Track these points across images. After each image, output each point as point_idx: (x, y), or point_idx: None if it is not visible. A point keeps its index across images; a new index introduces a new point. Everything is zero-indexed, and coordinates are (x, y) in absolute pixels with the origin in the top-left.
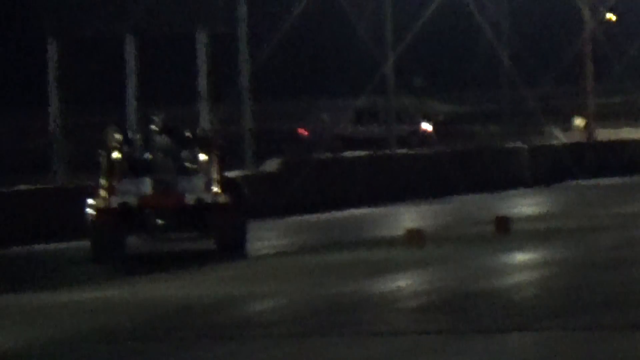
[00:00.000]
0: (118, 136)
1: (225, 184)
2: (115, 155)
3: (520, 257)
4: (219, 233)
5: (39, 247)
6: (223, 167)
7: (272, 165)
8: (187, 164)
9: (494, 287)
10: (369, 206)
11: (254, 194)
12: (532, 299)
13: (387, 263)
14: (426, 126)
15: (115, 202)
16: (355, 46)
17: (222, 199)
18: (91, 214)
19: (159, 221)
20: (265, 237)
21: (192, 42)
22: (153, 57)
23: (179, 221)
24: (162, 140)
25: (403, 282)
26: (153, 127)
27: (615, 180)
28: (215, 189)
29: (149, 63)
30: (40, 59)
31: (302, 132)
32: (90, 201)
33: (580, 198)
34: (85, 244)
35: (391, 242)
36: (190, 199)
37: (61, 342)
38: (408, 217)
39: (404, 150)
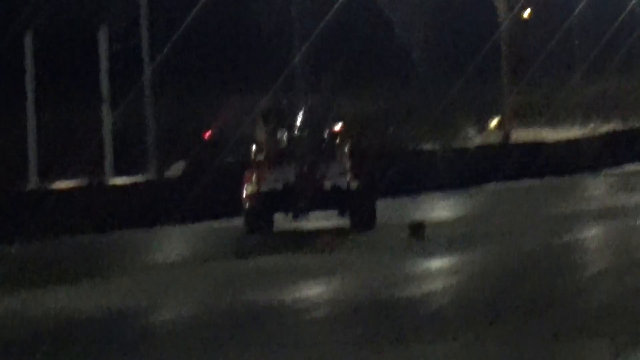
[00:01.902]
0: (267, 129)
1: (358, 169)
2: (265, 146)
3: (436, 263)
4: (352, 213)
5: None
6: (356, 156)
7: (176, 169)
8: (326, 154)
9: (409, 295)
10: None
11: (157, 200)
12: (449, 306)
13: (296, 269)
14: (337, 127)
15: (264, 187)
16: (262, 43)
17: (355, 184)
18: (245, 197)
19: (302, 203)
20: (170, 245)
21: (94, 41)
22: (52, 55)
23: (318, 203)
24: (305, 133)
25: (313, 290)
26: (297, 121)
27: (533, 182)
28: (349, 175)
29: (48, 62)
30: None
31: (207, 134)
32: (244, 186)
33: (498, 201)
34: None
35: (301, 248)
36: (327, 184)
37: None
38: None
39: None
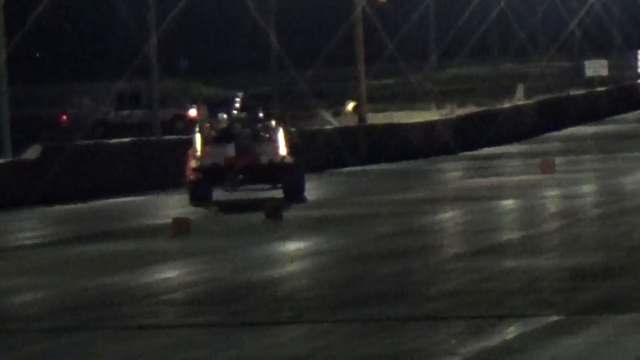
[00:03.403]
0: (208, 112)
1: (289, 147)
2: (207, 127)
3: (292, 246)
4: (285, 185)
5: None
6: (288, 135)
7: (32, 152)
8: (261, 133)
9: (264, 278)
10: (134, 194)
11: (12, 183)
12: (304, 290)
13: (152, 254)
14: (192, 111)
15: (207, 162)
16: (117, 27)
17: (288, 159)
18: (189, 172)
19: (240, 176)
20: (25, 228)
21: None
22: None
23: (255, 177)
24: (242, 115)
25: (169, 274)
26: (235, 104)
27: (389, 166)
28: (282, 152)
29: None
30: None
31: (63, 117)
32: (188, 162)
33: (353, 185)
34: None
35: (156, 232)
36: (264, 159)
37: None
38: (174, 205)
39: (169, 136)
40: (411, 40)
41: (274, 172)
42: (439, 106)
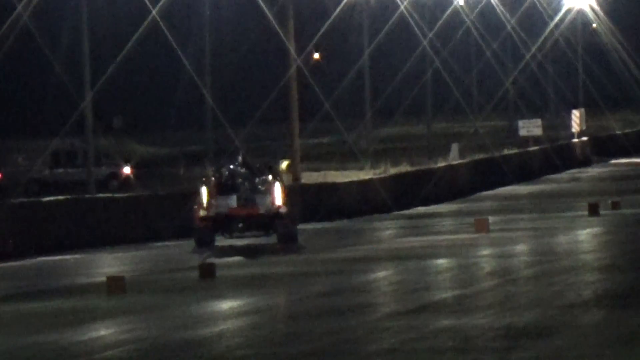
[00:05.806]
0: (213, 168)
1: (284, 199)
2: (212, 181)
3: (226, 304)
4: (280, 232)
5: None
6: (283, 189)
7: None
8: (260, 187)
9: (199, 336)
10: (68, 252)
11: None
12: (238, 348)
13: (86, 312)
14: (126, 169)
15: (212, 212)
16: (52, 85)
17: (283, 210)
18: (196, 221)
19: (240, 225)
20: None
21: None
22: None
23: (253, 225)
24: (243, 170)
25: (103, 332)
26: (236, 161)
27: (324, 225)
28: (278, 203)
29: None
30: None
31: None
32: (195, 212)
33: None
34: None
35: (91, 290)
36: (262, 210)
37: None
38: (109, 263)
39: (104, 194)
40: (347, 99)
41: (271, 221)
42: (373, 165)
